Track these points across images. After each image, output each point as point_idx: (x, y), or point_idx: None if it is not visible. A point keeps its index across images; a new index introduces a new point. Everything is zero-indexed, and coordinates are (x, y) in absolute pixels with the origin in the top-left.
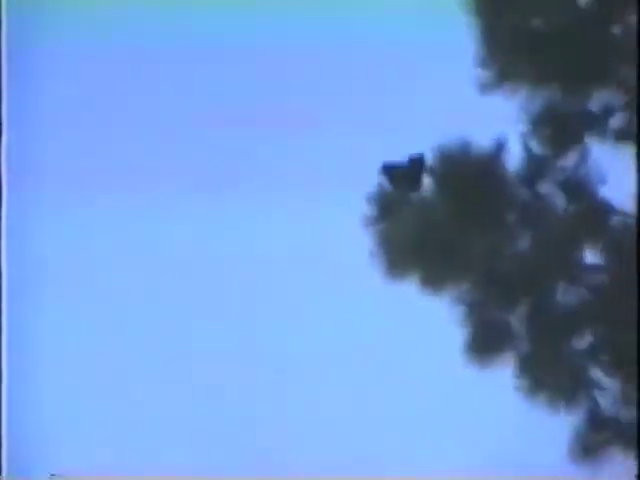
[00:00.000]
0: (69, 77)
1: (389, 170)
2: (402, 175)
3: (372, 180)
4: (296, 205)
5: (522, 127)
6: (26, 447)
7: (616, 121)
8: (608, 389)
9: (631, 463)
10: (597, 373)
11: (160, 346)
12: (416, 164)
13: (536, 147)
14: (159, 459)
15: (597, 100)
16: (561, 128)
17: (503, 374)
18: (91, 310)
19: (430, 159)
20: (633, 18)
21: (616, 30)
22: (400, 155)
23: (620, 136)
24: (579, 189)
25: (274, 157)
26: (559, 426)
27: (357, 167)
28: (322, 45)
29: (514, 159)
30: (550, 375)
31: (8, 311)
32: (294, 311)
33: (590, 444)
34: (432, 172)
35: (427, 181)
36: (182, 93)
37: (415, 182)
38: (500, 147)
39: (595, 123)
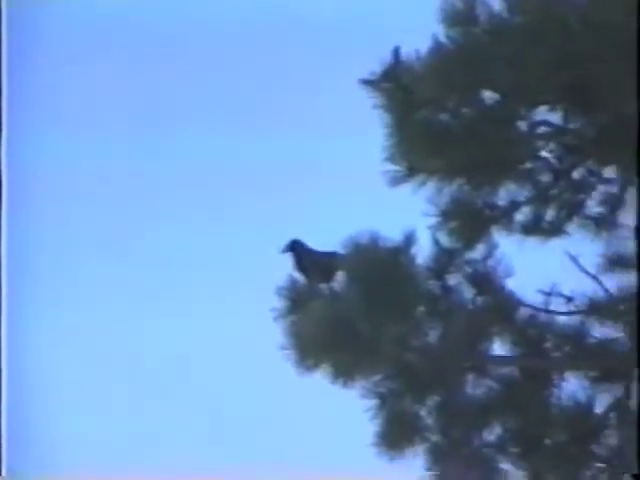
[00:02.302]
0: (69, 76)
1: (298, 252)
2: (316, 266)
3: (281, 272)
4: (207, 298)
5: (430, 220)
6: (26, 447)
7: (522, 214)
8: None
9: None
10: (506, 465)
11: (160, 346)
12: (330, 256)
13: (444, 240)
14: (159, 459)
15: (503, 193)
16: (469, 221)
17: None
18: (91, 310)
19: (341, 252)
20: (537, 115)
21: (521, 125)
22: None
23: (526, 229)
24: (487, 282)
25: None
26: None
27: (266, 257)
28: None
29: (423, 252)
30: (460, 467)
31: (8, 311)
32: (208, 406)
33: None
34: (343, 264)
35: (338, 273)
36: (182, 92)
37: (328, 274)
38: (409, 240)
39: (502, 216)
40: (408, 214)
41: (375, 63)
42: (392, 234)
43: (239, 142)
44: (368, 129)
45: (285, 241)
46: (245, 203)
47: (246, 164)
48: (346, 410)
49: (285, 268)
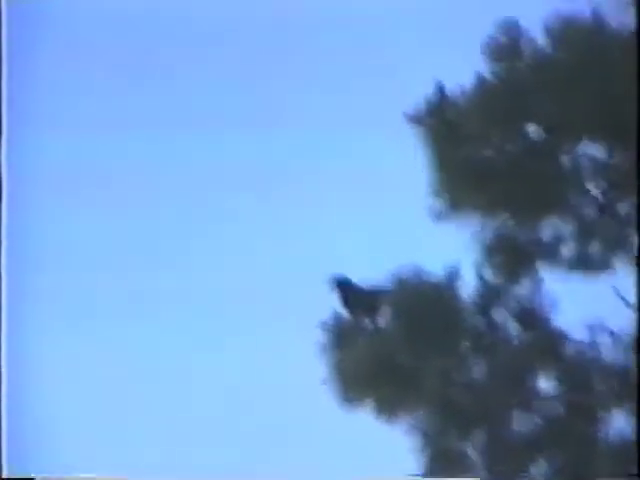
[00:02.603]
0: (69, 75)
1: (344, 288)
2: (360, 300)
3: (325, 306)
4: (251, 332)
5: (475, 255)
6: (26, 447)
7: (567, 249)
8: None
9: None
10: None
11: (160, 346)
12: (375, 291)
13: (489, 275)
14: (158, 460)
15: (548, 228)
16: (513, 256)
17: None
18: (91, 309)
19: (386, 286)
20: (582, 150)
21: (565, 160)
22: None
23: (571, 264)
24: (532, 317)
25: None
26: None
27: (311, 292)
28: None
29: (468, 287)
30: None
31: (8, 311)
32: (254, 437)
33: None
34: (387, 299)
35: (382, 308)
36: (184, 90)
37: (373, 308)
38: (454, 275)
39: (546, 251)
40: (452, 249)
41: (421, 98)
42: (436, 269)
43: (269, 162)
44: (412, 163)
45: (330, 277)
46: (287, 237)
47: (282, 193)
48: (391, 446)
49: (329, 302)
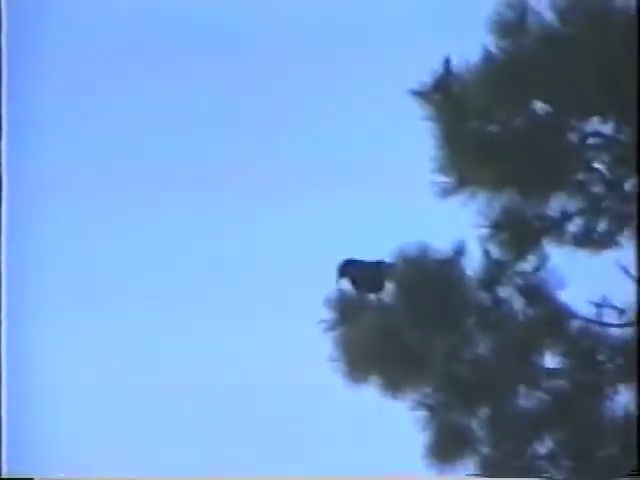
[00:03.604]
0: (70, 74)
1: (351, 269)
2: (364, 276)
3: (330, 283)
4: (255, 312)
5: (481, 232)
6: (26, 447)
7: (573, 226)
8: None
9: None
10: (558, 477)
11: (161, 345)
12: (379, 267)
13: (495, 251)
14: (159, 459)
15: (554, 204)
16: (520, 232)
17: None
18: (91, 308)
19: (390, 263)
20: (589, 126)
21: (571, 136)
22: (359, 257)
23: (577, 240)
24: (538, 293)
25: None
26: None
27: (316, 268)
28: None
29: (474, 263)
30: None
31: (8, 310)
32: (258, 417)
33: None
34: (392, 275)
35: (387, 285)
36: (182, 90)
37: (377, 284)
38: (459, 251)
39: (553, 227)
40: (458, 225)
41: (426, 73)
42: (442, 245)
43: (284, 149)
44: (418, 139)
45: (337, 258)
46: (295, 214)
47: (298, 173)
48: (396, 422)
49: (334, 279)
